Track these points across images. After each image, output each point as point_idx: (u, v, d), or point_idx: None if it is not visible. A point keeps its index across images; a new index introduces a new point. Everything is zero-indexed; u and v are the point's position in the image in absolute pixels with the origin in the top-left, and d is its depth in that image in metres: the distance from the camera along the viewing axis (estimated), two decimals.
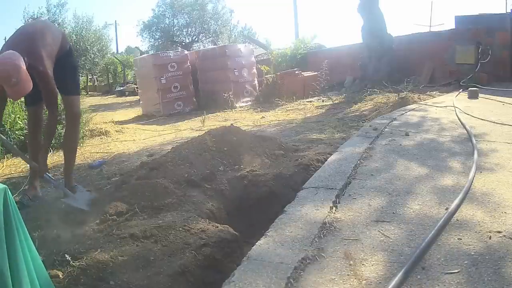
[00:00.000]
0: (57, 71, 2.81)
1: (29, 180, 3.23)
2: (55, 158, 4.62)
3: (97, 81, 26.39)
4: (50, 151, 4.89)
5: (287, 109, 7.56)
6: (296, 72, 9.70)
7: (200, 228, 2.03)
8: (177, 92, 9.19)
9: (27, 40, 2.69)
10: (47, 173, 2.85)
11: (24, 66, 2.46)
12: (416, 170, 2.60)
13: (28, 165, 3.05)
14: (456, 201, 1.97)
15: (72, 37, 17.82)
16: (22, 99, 3.42)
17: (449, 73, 8.15)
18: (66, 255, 1.81)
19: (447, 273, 1.43)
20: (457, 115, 4.30)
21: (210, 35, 23.42)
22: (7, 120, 4.96)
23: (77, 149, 3.50)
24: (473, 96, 5.75)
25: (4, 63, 2.42)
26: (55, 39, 2.91)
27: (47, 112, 2.96)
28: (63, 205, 2.66)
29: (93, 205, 2.61)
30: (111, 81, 24.42)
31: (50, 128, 2.94)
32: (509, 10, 8.23)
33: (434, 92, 6.77)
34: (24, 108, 4.52)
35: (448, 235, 1.69)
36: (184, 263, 1.76)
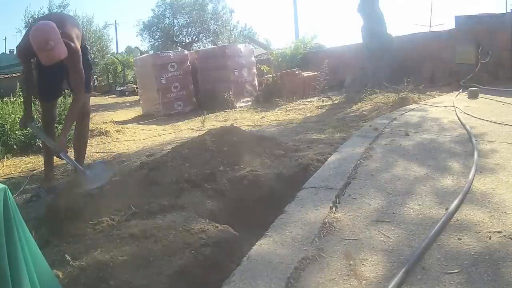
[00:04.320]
0: None
1: (44, 171, 3.38)
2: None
3: (97, 81, 26.35)
4: None
5: (287, 109, 7.55)
6: (296, 72, 9.69)
7: (200, 228, 2.03)
8: (177, 92, 9.18)
9: (57, 22, 2.81)
10: (63, 153, 2.93)
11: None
12: (416, 170, 2.60)
13: (42, 165, 3.22)
14: (456, 201, 1.97)
15: None
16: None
17: (449, 73, 8.14)
18: (66, 255, 1.81)
19: (447, 273, 1.43)
20: (457, 115, 4.30)
21: (210, 35, 23.42)
22: (7, 120, 4.96)
23: None
24: (473, 96, 5.74)
25: (43, 29, 2.59)
26: (80, 31, 3.11)
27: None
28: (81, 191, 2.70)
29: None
30: (111, 81, 24.44)
31: (73, 112, 3.01)
32: (509, 10, 8.25)
33: (434, 92, 6.76)
34: None
35: (448, 235, 1.69)
36: (184, 263, 1.76)
